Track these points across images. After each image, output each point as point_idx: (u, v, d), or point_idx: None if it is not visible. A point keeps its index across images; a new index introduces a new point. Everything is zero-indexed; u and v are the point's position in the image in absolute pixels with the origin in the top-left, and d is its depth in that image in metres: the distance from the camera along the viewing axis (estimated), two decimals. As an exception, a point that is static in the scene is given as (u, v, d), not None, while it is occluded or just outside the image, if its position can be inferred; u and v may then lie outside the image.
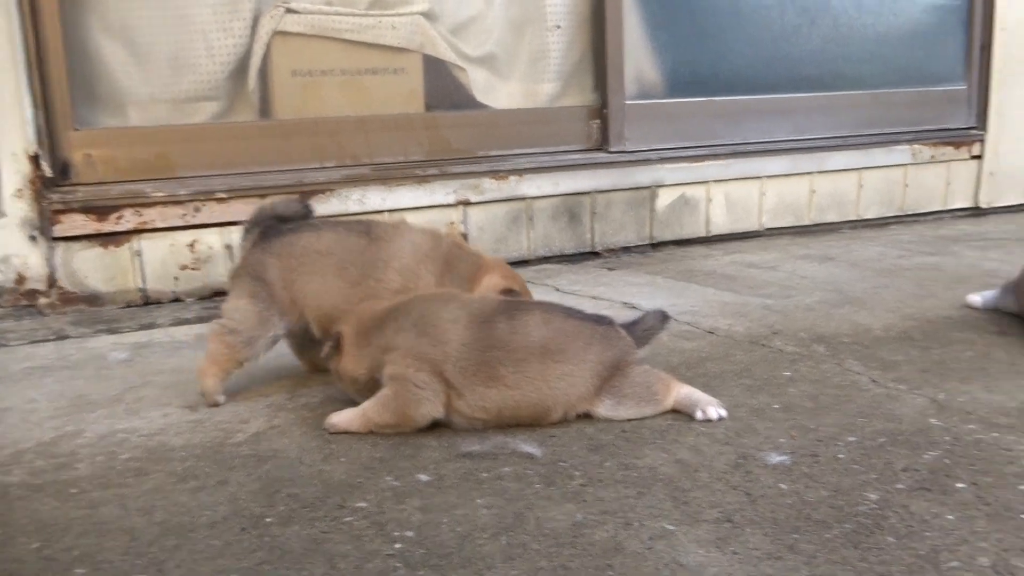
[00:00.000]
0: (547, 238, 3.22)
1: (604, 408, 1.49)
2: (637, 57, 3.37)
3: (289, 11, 2.89)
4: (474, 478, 1.32)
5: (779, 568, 1.02)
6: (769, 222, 3.61)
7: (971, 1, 3.81)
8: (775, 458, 1.32)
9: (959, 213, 3.98)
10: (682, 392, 1.51)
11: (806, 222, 3.68)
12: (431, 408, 1.47)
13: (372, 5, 3.01)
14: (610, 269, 3.03)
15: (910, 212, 3.88)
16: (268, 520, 1.20)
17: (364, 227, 1.82)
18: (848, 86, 3.71)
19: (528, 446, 1.42)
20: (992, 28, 3.81)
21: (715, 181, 3.46)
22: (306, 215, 1.84)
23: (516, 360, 1.46)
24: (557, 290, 2.65)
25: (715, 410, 1.48)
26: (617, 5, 3.23)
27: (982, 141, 3.90)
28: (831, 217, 3.73)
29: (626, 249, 3.36)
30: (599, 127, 3.31)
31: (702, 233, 3.49)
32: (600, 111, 3.30)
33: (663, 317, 1.64)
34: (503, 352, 1.47)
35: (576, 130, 3.31)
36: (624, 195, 3.33)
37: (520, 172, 3.16)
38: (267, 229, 1.78)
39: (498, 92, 3.26)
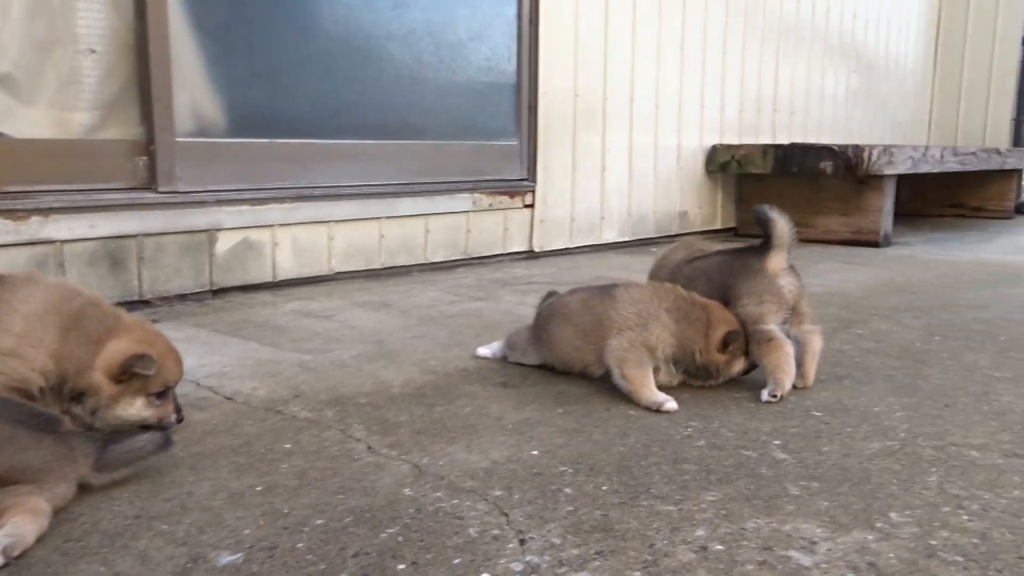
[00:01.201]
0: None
1: None
2: (192, 92, 3.16)
3: None
4: None
5: None
6: (339, 266, 3.62)
7: (519, 65, 4.23)
8: (226, 558, 1.23)
9: (517, 256, 4.37)
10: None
11: (377, 266, 3.76)
12: None
13: None
14: (154, 321, 2.76)
15: (474, 255, 4.16)
16: None
17: None
18: (413, 135, 3.88)
19: (-75, 579, 1.16)
20: (537, 92, 4.26)
21: (281, 225, 3.38)
22: None
23: None
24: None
25: None
26: (162, 33, 3.00)
27: (533, 192, 4.34)
28: (402, 261, 3.85)
29: (183, 297, 3.13)
30: (146, 164, 3.04)
31: (269, 278, 3.38)
32: (147, 147, 3.03)
33: (163, 444, 1.49)
34: None
35: (119, 167, 2.99)
36: (178, 239, 3.09)
37: (46, 212, 2.77)
38: None
39: (18, 118, 2.83)
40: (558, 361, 2.16)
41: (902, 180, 7.06)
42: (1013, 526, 1.35)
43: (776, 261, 2.09)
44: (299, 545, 1.27)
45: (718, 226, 5.61)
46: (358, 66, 3.65)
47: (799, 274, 2.16)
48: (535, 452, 1.66)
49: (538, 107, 4.27)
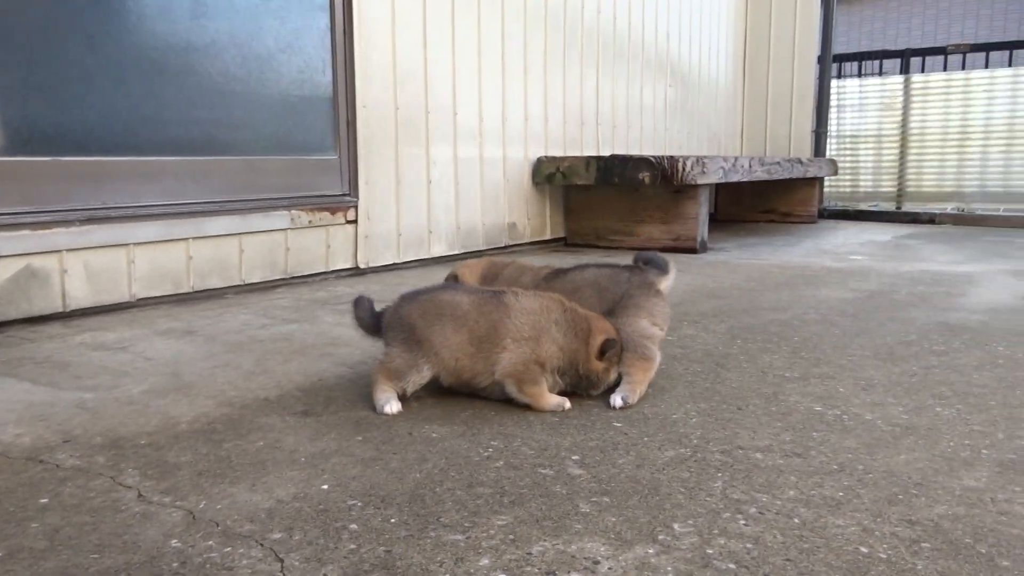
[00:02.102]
0: None
1: None
2: (-44, 105, 2.85)
3: None
4: None
5: None
6: (142, 292, 3.37)
7: (335, 78, 4.12)
8: (-62, 644, 1.07)
9: (343, 273, 4.25)
10: None
11: (186, 289, 3.53)
12: None
13: None
14: (-89, 364, 2.45)
15: (296, 274, 4.00)
16: None
17: None
18: (222, 151, 3.68)
19: None
20: (355, 105, 4.16)
21: (71, 250, 3.10)
22: None
23: None
24: None
25: None
26: (-85, 42, 2.68)
27: (356, 207, 4.23)
28: (215, 283, 3.64)
29: (-49, 333, 2.80)
30: (-101, 187, 2.70)
31: (59, 309, 3.09)
32: (-100, 167, 2.70)
33: None
34: None
35: None
36: (-57, 269, 2.77)
37: None
38: None
39: None
40: (443, 367, 2.00)
41: (721, 188, 7.48)
42: (785, 528, 1.40)
43: (667, 285, 2.24)
44: (33, 619, 1.13)
45: (548, 236, 5.70)
46: (155, 78, 3.42)
47: None
48: (325, 487, 1.57)
49: (357, 120, 4.17)
